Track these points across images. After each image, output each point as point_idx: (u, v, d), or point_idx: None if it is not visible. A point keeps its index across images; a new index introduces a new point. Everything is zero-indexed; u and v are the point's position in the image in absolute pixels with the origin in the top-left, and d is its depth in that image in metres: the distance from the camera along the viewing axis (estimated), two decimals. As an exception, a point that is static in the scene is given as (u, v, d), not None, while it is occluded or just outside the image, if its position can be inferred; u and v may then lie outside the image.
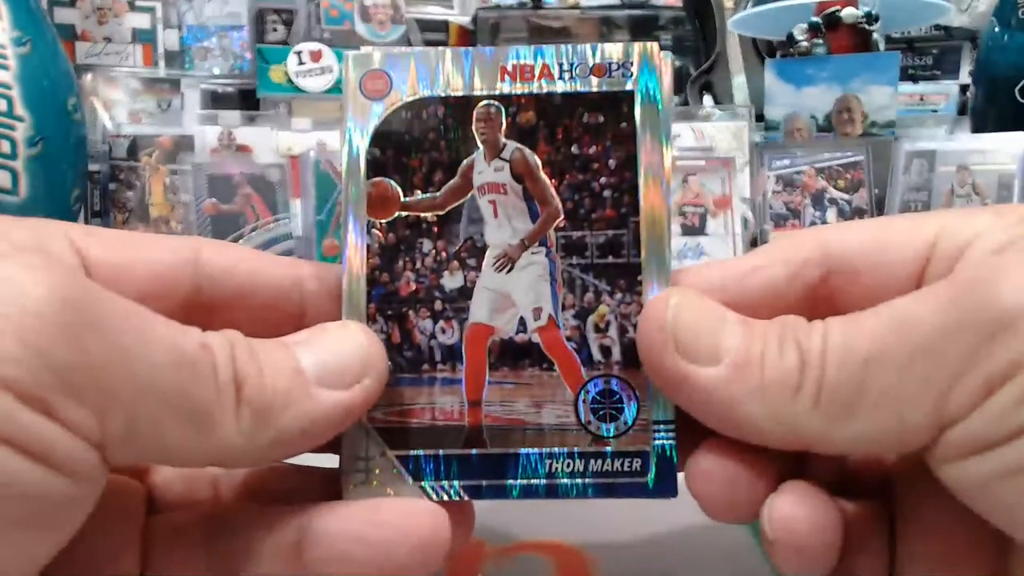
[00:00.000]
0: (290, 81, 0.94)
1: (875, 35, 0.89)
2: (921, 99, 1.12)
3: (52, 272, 0.19)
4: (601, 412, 0.25)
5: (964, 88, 1.08)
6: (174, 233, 0.75)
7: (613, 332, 0.25)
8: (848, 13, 0.88)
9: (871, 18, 0.87)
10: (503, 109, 0.26)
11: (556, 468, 0.24)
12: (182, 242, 0.25)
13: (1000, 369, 0.19)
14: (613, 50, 0.26)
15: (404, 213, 0.26)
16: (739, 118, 0.82)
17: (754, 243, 0.79)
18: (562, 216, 0.25)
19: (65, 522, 0.19)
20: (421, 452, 0.25)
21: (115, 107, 0.97)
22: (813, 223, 0.79)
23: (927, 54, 1.20)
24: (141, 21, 1.03)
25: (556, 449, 0.25)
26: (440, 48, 0.26)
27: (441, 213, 0.26)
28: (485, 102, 0.26)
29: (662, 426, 0.24)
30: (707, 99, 1.07)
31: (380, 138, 0.26)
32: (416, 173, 0.26)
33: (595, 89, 0.26)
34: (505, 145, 0.26)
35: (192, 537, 0.24)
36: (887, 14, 0.89)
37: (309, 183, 0.73)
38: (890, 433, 0.21)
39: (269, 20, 1.07)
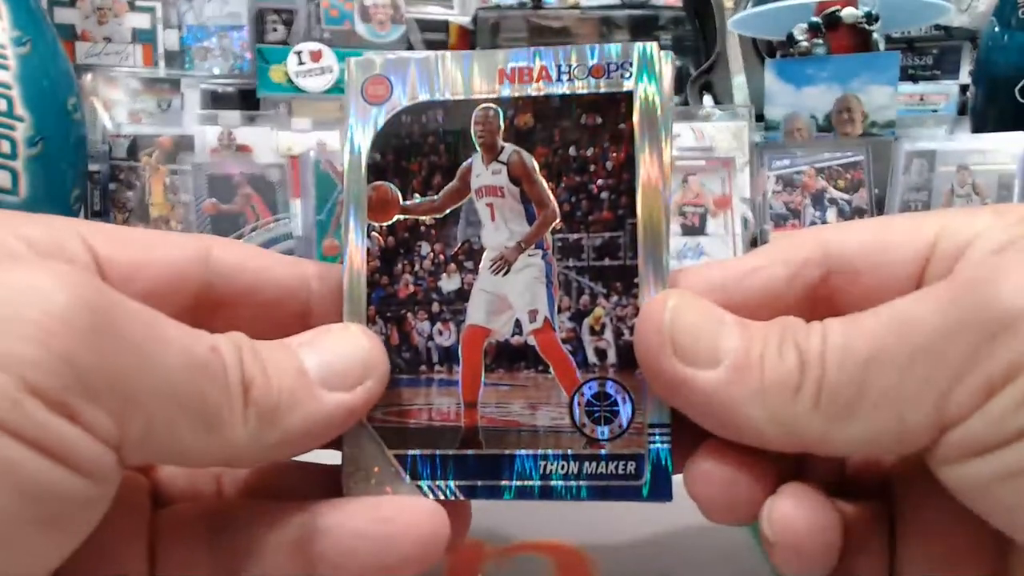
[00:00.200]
0: (290, 81, 0.94)
1: (875, 35, 0.89)
2: (921, 99, 1.12)
3: (73, 277, 0.19)
4: (596, 414, 0.25)
5: (964, 88, 1.08)
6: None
7: (609, 335, 0.25)
8: (848, 13, 0.88)
9: (871, 18, 0.87)
10: (501, 112, 0.26)
11: (551, 470, 0.24)
12: (192, 239, 0.25)
13: (1001, 370, 0.19)
14: (612, 50, 0.26)
15: (403, 216, 0.26)
16: (739, 118, 0.82)
17: (754, 243, 0.79)
18: (559, 218, 0.25)
19: (82, 522, 0.19)
20: (418, 452, 0.25)
21: (115, 107, 0.97)
22: (813, 223, 0.79)
23: (927, 54, 1.20)
24: (141, 21, 1.03)
25: (551, 451, 0.24)
26: (440, 52, 0.26)
27: (439, 216, 0.26)
28: (483, 105, 0.26)
29: (657, 429, 0.24)
30: (707, 99, 1.07)
31: (381, 142, 0.26)
32: (416, 177, 0.26)
33: (594, 90, 0.26)
34: (503, 148, 0.26)
35: (195, 532, 0.24)
36: (887, 14, 0.89)
37: (309, 183, 0.73)
38: (890, 434, 0.21)
39: (269, 20, 1.07)
